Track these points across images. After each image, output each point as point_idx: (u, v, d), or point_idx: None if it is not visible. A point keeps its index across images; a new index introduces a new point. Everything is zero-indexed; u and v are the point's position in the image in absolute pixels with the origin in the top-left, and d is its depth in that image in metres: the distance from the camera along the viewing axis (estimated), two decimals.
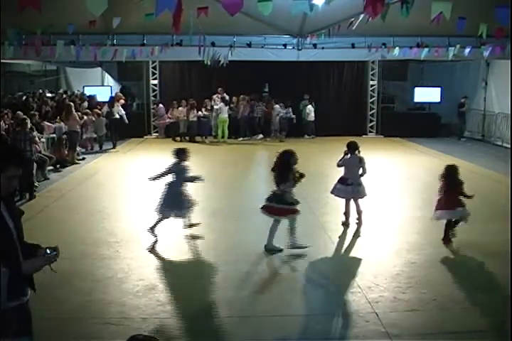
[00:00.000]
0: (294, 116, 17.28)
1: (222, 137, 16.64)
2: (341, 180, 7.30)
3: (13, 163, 2.75)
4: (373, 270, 5.78)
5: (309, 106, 17.42)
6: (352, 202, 7.44)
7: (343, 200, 8.29)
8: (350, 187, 7.27)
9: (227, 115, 16.53)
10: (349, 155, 7.38)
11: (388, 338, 4.28)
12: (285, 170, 6.19)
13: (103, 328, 4.44)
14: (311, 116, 17.47)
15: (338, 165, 7.41)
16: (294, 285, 5.42)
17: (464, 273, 5.72)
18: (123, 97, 16.40)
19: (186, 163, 6.99)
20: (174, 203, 6.84)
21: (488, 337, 4.39)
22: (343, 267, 5.93)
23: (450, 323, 4.54)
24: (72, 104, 13.26)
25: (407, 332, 4.43)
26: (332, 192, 7.54)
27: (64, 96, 17.39)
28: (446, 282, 5.46)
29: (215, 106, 16.57)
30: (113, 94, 17.13)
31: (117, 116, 15.24)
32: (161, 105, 17.38)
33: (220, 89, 16.97)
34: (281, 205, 6.28)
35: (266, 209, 6.41)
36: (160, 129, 17.88)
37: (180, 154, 6.96)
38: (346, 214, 7.45)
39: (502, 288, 5.21)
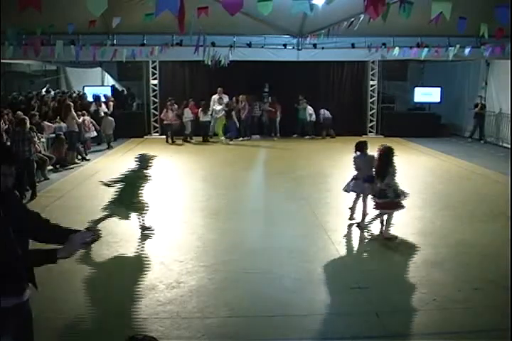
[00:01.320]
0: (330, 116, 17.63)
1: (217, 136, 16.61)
2: (355, 178, 7.44)
3: (5, 160, 2.76)
4: (373, 270, 5.78)
5: (309, 107, 17.45)
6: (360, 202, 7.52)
7: (343, 200, 8.31)
8: (364, 183, 7.32)
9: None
10: (359, 154, 7.44)
11: (388, 338, 4.29)
12: (386, 165, 6.44)
13: (103, 328, 4.44)
14: (313, 117, 17.51)
15: (356, 169, 7.42)
16: (294, 285, 5.42)
17: (463, 273, 5.72)
18: (111, 99, 16.79)
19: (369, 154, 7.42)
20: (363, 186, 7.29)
21: (488, 337, 4.40)
22: (343, 267, 5.93)
23: (450, 323, 4.54)
24: (71, 104, 13.28)
25: (407, 332, 4.44)
26: (346, 190, 7.61)
27: (63, 96, 17.44)
28: (446, 282, 5.46)
29: (218, 108, 16.47)
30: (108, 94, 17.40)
31: (102, 114, 15.63)
32: (175, 106, 17.02)
33: (219, 89, 16.89)
34: (385, 199, 6.53)
35: (380, 205, 6.60)
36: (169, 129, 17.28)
37: (362, 146, 7.46)
38: (352, 209, 7.58)
39: (502, 288, 5.21)
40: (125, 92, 19.67)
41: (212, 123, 16.86)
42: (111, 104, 16.54)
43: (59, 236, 2.84)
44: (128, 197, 6.77)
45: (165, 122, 16.87)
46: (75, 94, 18.70)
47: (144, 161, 6.88)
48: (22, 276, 2.82)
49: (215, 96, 16.69)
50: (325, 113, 17.60)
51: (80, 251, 2.74)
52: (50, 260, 2.73)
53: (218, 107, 16.43)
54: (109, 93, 17.86)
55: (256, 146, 16.20)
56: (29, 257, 2.73)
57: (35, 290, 2.96)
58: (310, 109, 17.47)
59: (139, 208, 6.91)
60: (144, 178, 6.89)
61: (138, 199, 6.89)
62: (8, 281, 2.71)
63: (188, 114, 16.67)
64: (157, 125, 18.10)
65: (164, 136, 17.39)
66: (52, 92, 19.07)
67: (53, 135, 12.41)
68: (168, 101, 16.65)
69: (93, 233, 2.80)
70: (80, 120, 13.35)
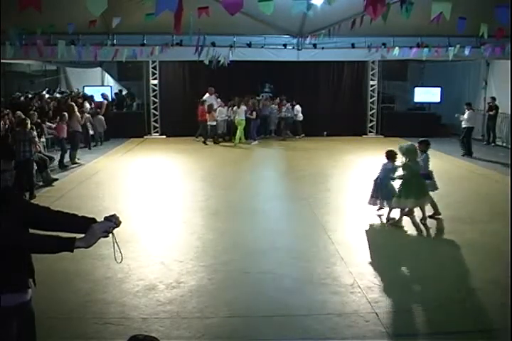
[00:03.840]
0: None
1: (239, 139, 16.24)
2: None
3: (4, 156, 2.78)
4: (373, 270, 5.78)
5: (297, 107, 17.35)
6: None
7: (343, 201, 8.32)
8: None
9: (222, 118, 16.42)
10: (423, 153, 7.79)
11: (388, 338, 4.28)
12: None
13: (103, 328, 4.44)
14: (299, 116, 17.42)
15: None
16: (294, 285, 5.42)
17: (463, 273, 5.72)
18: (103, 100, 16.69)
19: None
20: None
21: (488, 337, 4.40)
22: (343, 267, 5.93)
23: (450, 323, 4.54)
24: (73, 104, 13.30)
25: (407, 332, 4.44)
26: None
27: (65, 96, 17.45)
28: (446, 282, 5.46)
29: (225, 109, 16.28)
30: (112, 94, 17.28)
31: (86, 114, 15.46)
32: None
33: (211, 88, 16.55)
34: None
35: None
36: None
37: (426, 145, 7.83)
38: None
39: (502, 288, 5.21)
40: (123, 92, 19.71)
41: (222, 125, 16.55)
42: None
43: (75, 225, 2.80)
44: (416, 188, 7.31)
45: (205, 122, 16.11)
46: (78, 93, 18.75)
47: (412, 152, 7.40)
48: (25, 271, 2.82)
49: (211, 97, 16.47)
50: (288, 110, 17.07)
51: (79, 251, 2.72)
52: (67, 249, 2.66)
53: (227, 109, 16.08)
54: (109, 93, 17.86)
55: (257, 146, 16.18)
56: (45, 243, 2.66)
57: (35, 290, 2.96)
58: (296, 109, 17.30)
59: (428, 198, 7.50)
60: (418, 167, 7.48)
61: (425, 188, 7.46)
62: (13, 276, 2.71)
63: (221, 113, 16.30)
64: (157, 125, 18.11)
65: (164, 136, 17.48)
66: (56, 93, 19.08)
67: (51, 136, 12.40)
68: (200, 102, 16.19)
69: (114, 222, 2.74)
70: (83, 120, 13.37)
